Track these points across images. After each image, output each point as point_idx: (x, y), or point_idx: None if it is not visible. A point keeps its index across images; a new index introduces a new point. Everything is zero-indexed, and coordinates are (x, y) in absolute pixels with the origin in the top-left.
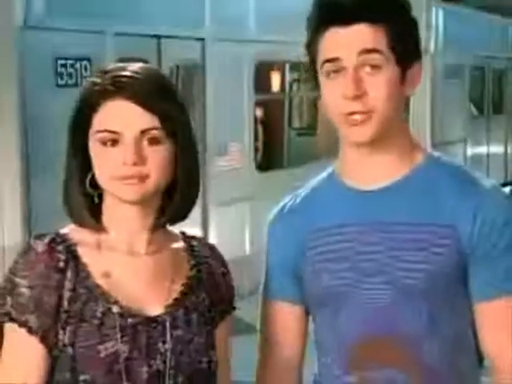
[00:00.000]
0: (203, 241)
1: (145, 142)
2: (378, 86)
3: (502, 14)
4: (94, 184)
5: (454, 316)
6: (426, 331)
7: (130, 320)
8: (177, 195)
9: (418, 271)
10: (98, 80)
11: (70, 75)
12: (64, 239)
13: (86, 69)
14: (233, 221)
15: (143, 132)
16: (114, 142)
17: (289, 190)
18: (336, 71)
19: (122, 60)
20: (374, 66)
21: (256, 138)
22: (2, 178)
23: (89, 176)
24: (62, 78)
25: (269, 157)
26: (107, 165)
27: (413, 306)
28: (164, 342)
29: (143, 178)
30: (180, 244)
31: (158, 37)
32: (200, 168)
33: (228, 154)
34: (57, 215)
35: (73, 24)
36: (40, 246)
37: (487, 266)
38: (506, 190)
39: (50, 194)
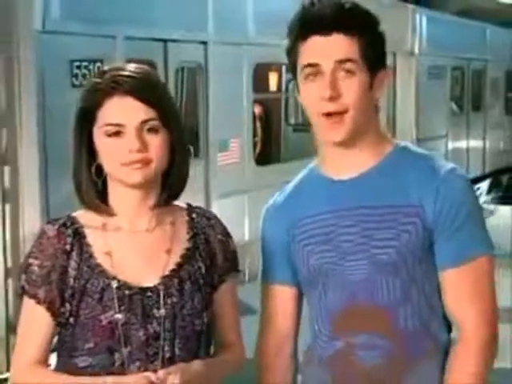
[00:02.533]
0: (202, 211)
1: (145, 132)
2: (351, 89)
3: (478, 18)
4: (98, 173)
5: (424, 285)
6: (400, 299)
7: (126, 291)
8: (174, 176)
9: (389, 247)
10: (99, 80)
11: (84, 76)
12: (73, 222)
13: (98, 70)
14: (233, 211)
15: (143, 122)
16: (118, 134)
17: (285, 183)
18: (314, 74)
19: (130, 62)
20: (348, 71)
21: (255, 134)
22: (23, 171)
23: (94, 166)
24: (76, 79)
25: (267, 152)
26: (115, 154)
27: (387, 278)
28: (158, 309)
29: (147, 163)
30: (182, 217)
31: (165, 40)
32: (203, 160)
33: (229, 150)
34: (73, 205)
35: (87, 29)
36: (50, 231)
37: (450, 237)
38: (485, 183)
39: (66, 185)
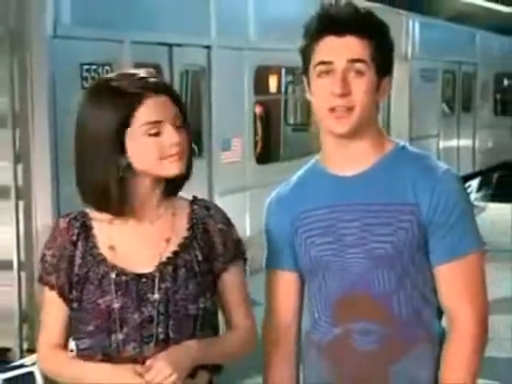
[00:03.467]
0: (203, 203)
1: (177, 128)
2: (361, 88)
3: (468, 23)
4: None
5: (417, 276)
6: (395, 290)
7: (123, 277)
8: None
9: (386, 242)
10: (128, 84)
11: (93, 79)
12: (83, 216)
13: (107, 73)
14: (235, 208)
15: (173, 118)
16: (158, 134)
17: (284, 180)
18: (327, 72)
19: (137, 65)
20: (359, 72)
21: (256, 134)
22: (35, 169)
23: (123, 164)
24: (86, 81)
25: (267, 150)
26: (155, 150)
27: (383, 270)
28: (153, 293)
29: (182, 156)
30: (184, 209)
31: (170, 45)
32: (206, 159)
33: (231, 149)
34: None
35: (96, 34)
36: (62, 224)
37: (444, 234)
38: (475, 181)
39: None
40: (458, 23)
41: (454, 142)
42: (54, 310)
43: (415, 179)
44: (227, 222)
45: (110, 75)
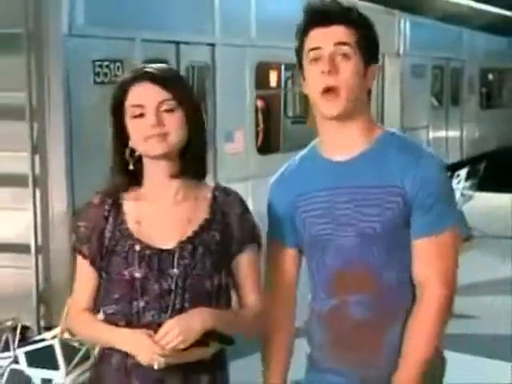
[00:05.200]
0: (224, 189)
1: (163, 111)
2: (347, 68)
3: (456, 22)
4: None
5: (403, 252)
6: (383, 264)
7: (147, 252)
8: (192, 148)
9: (375, 222)
10: (126, 75)
11: (105, 74)
12: (113, 194)
13: (118, 69)
14: None
15: (160, 103)
16: (142, 115)
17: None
18: (316, 59)
19: (147, 62)
20: (345, 55)
21: (257, 126)
22: (51, 159)
23: (128, 149)
24: (98, 77)
25: (268, 142)
26: (138, 131)
27: (372, 247)
28: (172, 268)
29: (164, 136)
30: (206, 194)
31: (177, 42)
32: (211, 150)
33: (234, 140)
34: (95, 187)
35: (108, 32)
36: (95, 200)
37: (423, 213)
38: (464, 171)
39: (89, 172)
40: (446, 22)
41: (442, 133)
42: (84, 277)
43: (401, 164)
44: (245, 208)
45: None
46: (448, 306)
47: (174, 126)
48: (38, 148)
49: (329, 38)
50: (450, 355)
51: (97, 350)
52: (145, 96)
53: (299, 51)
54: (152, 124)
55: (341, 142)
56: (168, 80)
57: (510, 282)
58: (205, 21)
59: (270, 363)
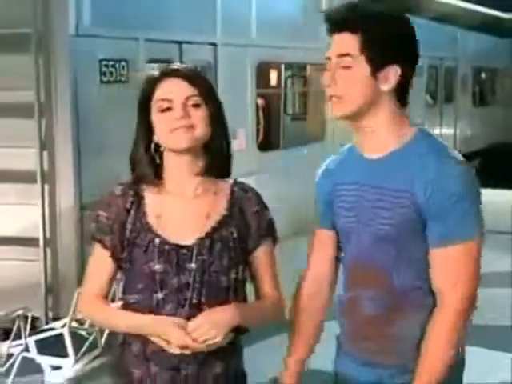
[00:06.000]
0: (243, 186)
1: (189, 106)
2: (345, 79)
3: (450, 23)
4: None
5: (414, 253)
6: (394, 264)
7: (166, 247)
8: (214, 145)
9: (387, 225)
10: (155, 72)
11: (111, 73)
12: (135, 187)
13: (123, 68)
14: None
15: (187, 98)
16: (169, 109)
17: (284, 166)
18: (326, 67)
19: (151, 61)
20: (345, 67)
21: (258, 124)
22: (59, 155)
23: (153, 142)
24: (104, 76)
25: (268, 139)
26: (165, 123)
27: (384, 247)
28: (190, 263)
29: (190, 128)
30: (225, 190)
31: (180, 42)
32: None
33: (236, 138)
34: (102, 184)
35: (113, 33)
36: (117, 191)
37: (437, 221)
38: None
39: (96, 166)
40: (440, 23)
41: (437, 130)
42: (101, 266)
43: (417, 169)
44: (262, 205)
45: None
46: (464, 318)
47: (200, 119)
48: (46, 145)
49: (334, 49)
50: None
51: (104, 339)
52: (173, 90)
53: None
54: (179, 116)
55: (368, 142)
56: (195, 77)
57: (510, 275)
58: (207, 21)
59: (290, 348)
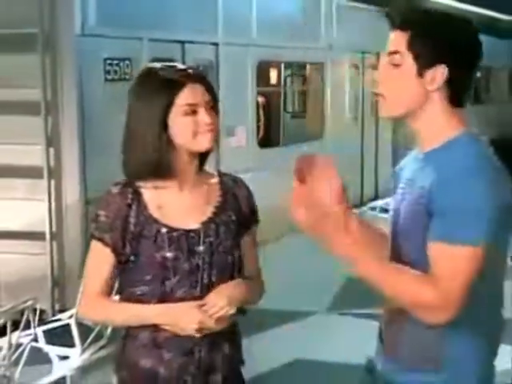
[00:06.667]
0: (230, 176)
1: (209, 110)
2: (394, 78)
3: None
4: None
5: (425, 243)
6: (413, 261)
7: (174, 234)
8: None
9: (407, 219)
10: (171, 74)
11: (115, 72)
12: (132, 184)
13: (127, 67)
14: None
15: (207, 102)
16: (194, 112)
17: (283, 163)
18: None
19: (154, 60)
20: (394, 64)
21: (258, 121)
22: (65, 152)
23: (164, 139)
24: (109, 74)
25: (268, 136)
26: (190, 127)
27: (404, 243)
28: (199, 246)
29: (213, 132)
30: (215, 180)
31: (183, 42)
32: (215, 145)
33: (236, 135)
34: (106, 180)
35: (118, 33)
36: (115, 190)
37: (437, 216)
38: None
39: (100, 162)
40: None
41: None
42: (102, 264)
43: (439, 173)
44: (249, 192)
45: (156, 66)
46: (437, 317)
47: (216, 123)
48: (52, 141)
49: (387, 47)
50: None
51: (109, 330)
52: (198, 96)
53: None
54: (208, 122)
55: (418, 140)
56: (207, 81)
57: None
58: (209, 21)
59: None
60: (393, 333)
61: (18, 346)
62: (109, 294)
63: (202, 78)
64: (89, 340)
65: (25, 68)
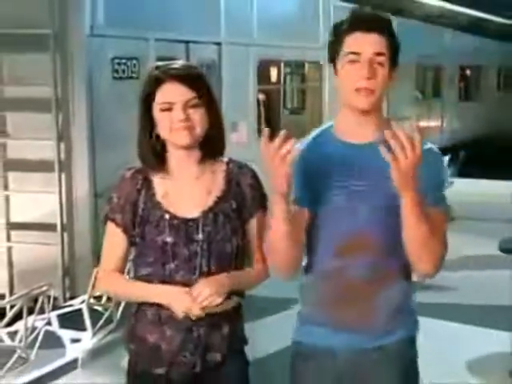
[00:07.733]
0: (237, 163)
1: (189, 108)
2: (381, 75)
3: (438, 23)
4: (157, 138)
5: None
6: (383, 231)
7: (175, 221)
8: (211, 139)
9: (381, 197)
10: (156, 72)
11: (123, 71)
12: (143, 171)
13: (134, 66)
14: None
15: (187, 101)
16: (169, 109)
17: None
18: (354, 61)
19: (160, 59)
20: (380, 63)
21: (259, 117)
22: (75, 146)
23: (154, 133)
24: (117, 73)
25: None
26: (166, 123)
27: (377, 217)
28: (198, 234)
29: (191, 129)
30: (221, 168)
31: (187, 42)
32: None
33: (238, 131)
34: (115, 174)
35: (125, 33)
36: (127, 175)
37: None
38: (445, 158)
39: (109, 156)
40: (429, 23)
41: (425, 123)
42: (115, 243)
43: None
44: (256, 179)
45: (154, 65)
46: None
47: (198, 120)
48: (63, 136)
49: (369, 46)
50: (447, 325)
51: (118, 314)
52: (174, 95)
53: (334, 47)
54: (180, 119)
55: (358, 129)
56: (193, 80)
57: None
58: (211, 22)
59: None
60: (363, 305)
61: (34, 329)
62: (122, 271)
63: (185, 75)
64: (99, 324)
65: (37, 67)
